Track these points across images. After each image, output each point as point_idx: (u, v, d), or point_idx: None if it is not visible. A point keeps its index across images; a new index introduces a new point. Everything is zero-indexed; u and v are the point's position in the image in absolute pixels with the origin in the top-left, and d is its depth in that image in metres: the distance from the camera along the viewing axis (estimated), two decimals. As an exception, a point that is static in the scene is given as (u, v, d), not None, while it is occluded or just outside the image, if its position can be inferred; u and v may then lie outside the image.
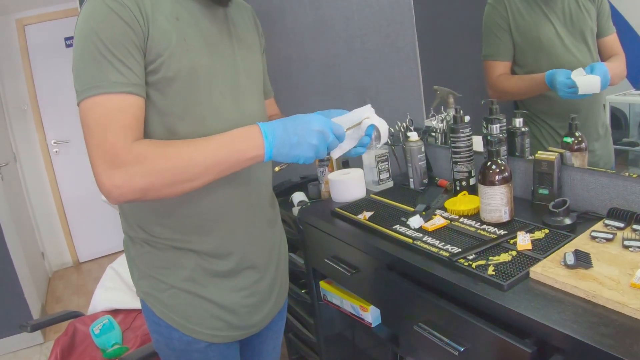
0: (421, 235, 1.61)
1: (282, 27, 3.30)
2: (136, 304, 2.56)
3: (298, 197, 2.39)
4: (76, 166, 5.27)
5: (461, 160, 1.85)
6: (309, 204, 2.30)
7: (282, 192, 2.55)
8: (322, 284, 2.19)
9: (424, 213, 1.75)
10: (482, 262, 1.36)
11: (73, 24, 1.26)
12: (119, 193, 1.11)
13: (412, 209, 1.81)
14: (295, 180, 2.65)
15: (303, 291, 2.38)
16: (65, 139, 5.32)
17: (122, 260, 2.79)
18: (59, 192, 5.44)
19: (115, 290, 2.71)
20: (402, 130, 2.15)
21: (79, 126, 1.16)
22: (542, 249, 1.39)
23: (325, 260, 1.93)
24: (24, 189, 5.19)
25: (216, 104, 1.29)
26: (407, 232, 1.64)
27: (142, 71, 1.17)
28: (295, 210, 2.27)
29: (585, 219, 1.56)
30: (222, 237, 1.36)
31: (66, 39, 5.16)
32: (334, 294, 2.11)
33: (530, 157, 1.79)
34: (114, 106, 1.12)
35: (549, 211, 1.55)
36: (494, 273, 1.30)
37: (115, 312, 2.59)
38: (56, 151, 5.35)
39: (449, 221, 1.68)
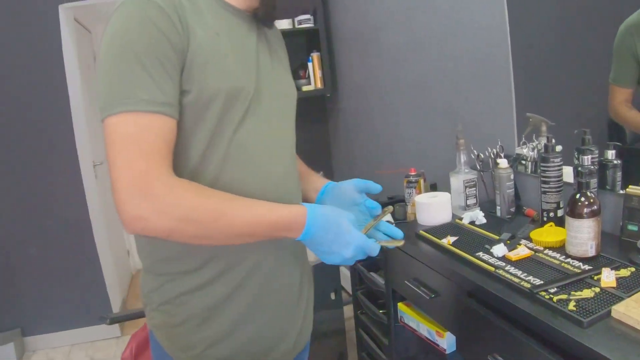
0: (504, 264, 1.60)
1: (375, 46, 3.35)
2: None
3: (383, 217, 2.40)
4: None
5: (550, 190, 1.82)
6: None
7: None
8: (401, 306, 2.20)
9: (508, 242, 1.73)
10: (564, 296, 1.34)
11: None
12: (143, 226, 1.00)
13: (497, 237, 1.80)
14: (382, 200, 2.67)
15: (381, 311, 2.39)
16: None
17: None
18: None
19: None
20: (492, 156, 2.13)
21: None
22: (627, 287, 1.35)
23: (406, 282, 1.95)
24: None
25: (257, 130, 1.20)
26: (489, 260, 1.63)
27: (175, 90, 1.05)
28: (379, 230, 2.29)
29: (675, 259, 1.51)
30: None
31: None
32: (411, 317, 2.12)
33: (621, 192, 1.74)
34: (142, 126, 1.00)
35: (637, 249, 1.50)
36: (574, 309, 1.27)
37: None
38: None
39: (533, 252, 1.65)
